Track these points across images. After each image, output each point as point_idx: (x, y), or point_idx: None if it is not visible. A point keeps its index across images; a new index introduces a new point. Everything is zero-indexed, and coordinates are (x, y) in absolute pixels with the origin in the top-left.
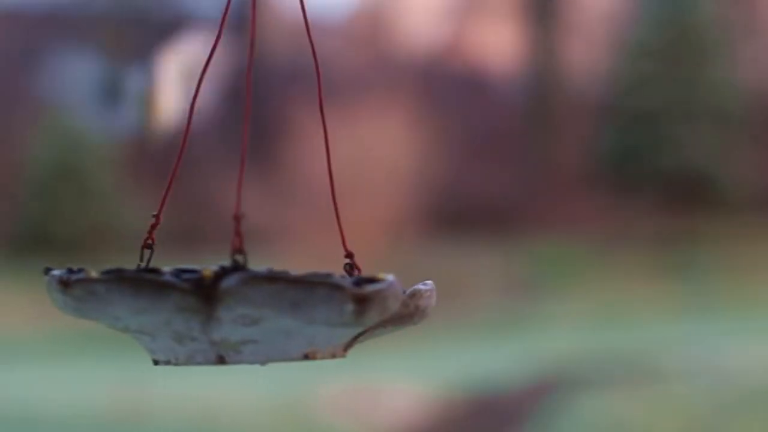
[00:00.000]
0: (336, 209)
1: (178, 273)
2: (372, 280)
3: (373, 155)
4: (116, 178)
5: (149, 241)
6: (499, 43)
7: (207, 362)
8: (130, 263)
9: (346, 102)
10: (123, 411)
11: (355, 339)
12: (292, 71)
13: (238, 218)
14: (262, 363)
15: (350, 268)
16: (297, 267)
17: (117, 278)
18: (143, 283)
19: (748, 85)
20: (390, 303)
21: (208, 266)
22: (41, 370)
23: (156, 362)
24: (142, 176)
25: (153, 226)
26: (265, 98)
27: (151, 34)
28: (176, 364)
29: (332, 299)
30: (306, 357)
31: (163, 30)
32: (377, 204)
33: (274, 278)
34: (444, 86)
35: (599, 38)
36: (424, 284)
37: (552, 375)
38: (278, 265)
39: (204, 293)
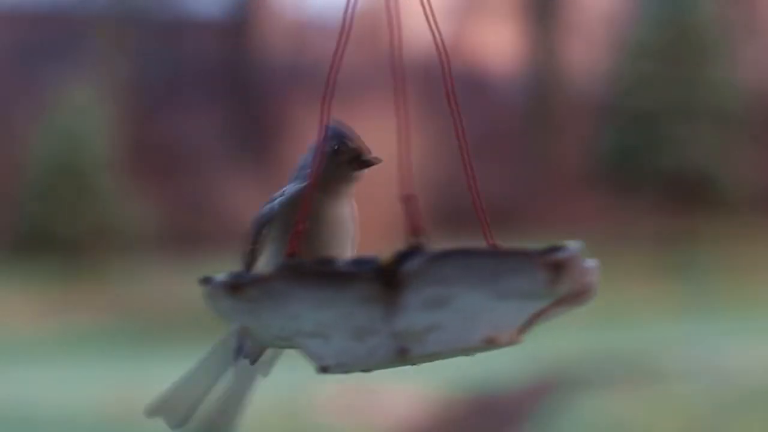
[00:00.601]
0: (475, 196)
1: (354, 263)
2: (558, 248)
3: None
4: (116, 178)
5: (293, 250)
6: (499, 43)
7: (387, 358)
8: (132, 263)
9: (346, 102)
10: (123, 411)
11: (532, 320)
12: (292, 71)
13: (409, 198)
14: (443, 355)
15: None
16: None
17: (297, 272)
18: (325, 274)
19: (748, 85)
20: (578, 272)
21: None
22: (41, 370)
23: (324, 369)
24: (142, 176)
25: (296, 233)
26: (265, 98)
27: (151, 34)
28: (348, 368)
29: (527, 267)
30: (488, 342)
31: (163, 30)
32: (377, 204)
33: (462, 252)
34: (444, 86)
35: (599, 38)
36: (590, 261)
37: (552, 375)
38: None
39: (388, 279)
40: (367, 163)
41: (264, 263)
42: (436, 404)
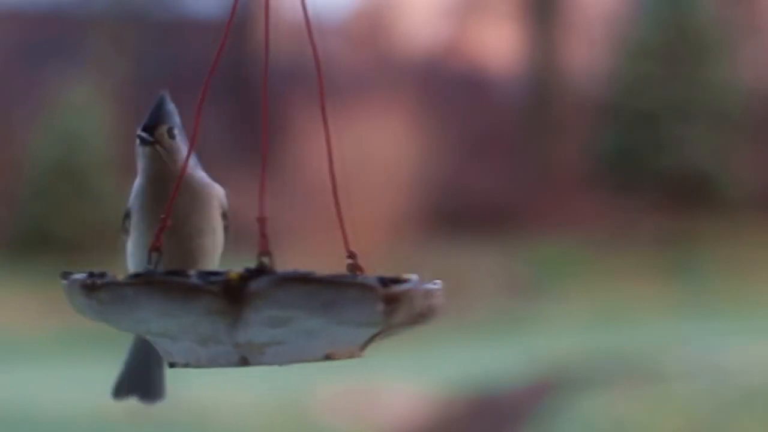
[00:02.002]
0: (338, 209)
1: (204, 276)
2: (397, 281)
3: (373, 155)
4: (116, 178)
5: (157, 244)
6: (499, 43)
7: (229, 364)
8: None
9: (346, 102)
10: (123, 411)
11: (372, 339)
12: (292, 71)
13: (262, 220)
14: (283, 364)
15: (353, 268)
16: (297, 266)
17: (146, 282)
18: (173, 286)
19: (748, 85)
20: (417, 303)
21: (233, 269)
22: (41, 370)
23: (172, 365)
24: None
25: (161, 229)
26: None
27: (151, 34)
28: (194, 367)
29: (364, 299)
30: (327, 357)
31: (163, 30)
32: (377, 204)
33: (306, 279)
34: (444, 86)
35: (599, 38)
36: (434, 283)
37: (552, 375)
38: (277, 266)
39: (233, 296)
40: (139, 138)
41: (129, 251)
42: (436, 404)
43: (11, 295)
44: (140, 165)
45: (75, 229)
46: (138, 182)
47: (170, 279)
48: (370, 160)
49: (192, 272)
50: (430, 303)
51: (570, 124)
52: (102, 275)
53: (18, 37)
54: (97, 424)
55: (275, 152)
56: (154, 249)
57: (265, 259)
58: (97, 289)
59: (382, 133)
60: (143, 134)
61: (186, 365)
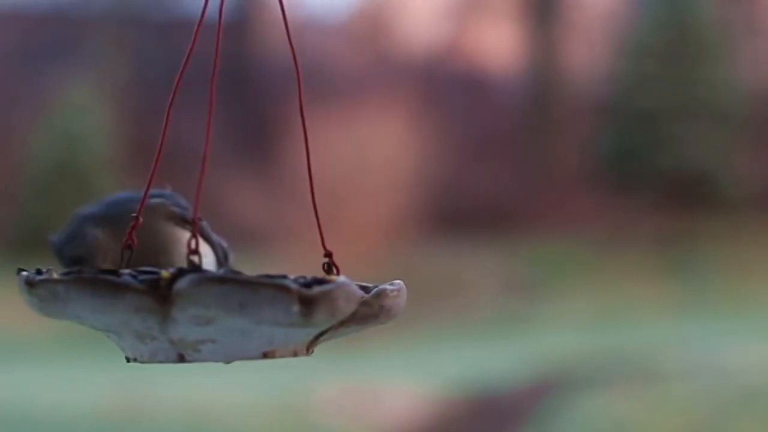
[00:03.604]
0: (315, 208)
1: (138, 274)
2: (322, 282)
3: (373, 155)
4: (116, 178)
5: (129, 242)
6: (499, 43)
7: (168, 360)
8: None
9: (346, 102)
10: (123, 411)
11: (317, 338)
12: (291, 71)
13: (195, 221)
14: (224, 361)
15: (329, 267)
16: (296, 266)
17: (75, 279)
18: (100, 283)
19: (748, 85)
20: (340, 304)
21: (167, 268)
22: (41, 370)
23: (128, 360)
24: (142, 176)
25: (133, 227)
26: (264, 98)
27: (151, 34)
28: (142, 362)
29: (277, 300)
30: (265, 356)
31: (163, 30)
32: (377, 204)
33: (222, 279)
34: (444, 86)
35: (599, 38)
36: (392, 284)
37: (552, 375)
38: (276, 265)
39: (158, 294)
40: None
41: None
42: (436, 404)
43: (11, 295)
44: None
45: None
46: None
47: (99, 277)
48: (370, 160)
49: (125, 271)
50: (383, 303)
51: (570, 124)
52: (47, 271)
53: (18, 37)
54: (97, 424)
55: (275, 152)
56: (126, 247)
57: (195, 258)
58: (35, 286)
59: (382, 133)
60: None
61: (134, 360)
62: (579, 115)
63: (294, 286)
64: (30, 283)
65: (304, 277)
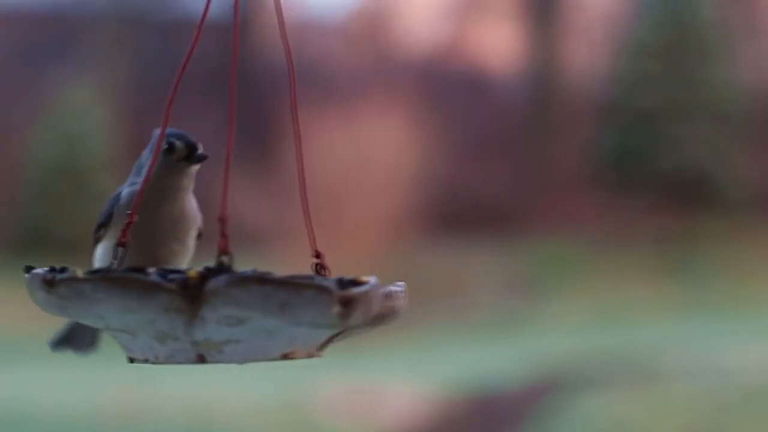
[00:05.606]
0: (306, 209)
1: (164, 273)
2: (355, 283)
3: (373, 155)
4: (116, 178)
5: (123, 239)
6: (499, 43)
7: (187, 361)
8: None
9: (346, 102)
10: (123, 411)
11: (331, 339)
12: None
13: (223, 220)
14: (241, 363)
15: (319, 268)
16: (296, 267)
17: (104, 278)
18: (131, 283)
19: (748, 85)
20: (374, 304)
21: (194, 267)
22: (41, 370)
23: (131, 360)
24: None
25: (128, 225)
26: (264, 98)
27: (151, 34)
28: (154, 363)
29: (319, 301)
30: (284, 357)
31: (163, 30)
32: (377, 204)
33: (262, 280)
34: (444, 86)
35: (599, 38)
36: (397, 285)
37: (552, 375)
38: (276, 266)
39: (190, 294)
40: (199, 158)
41: (100, 254)
42: (436, 404)
43: (11, 295)
44: (166, 179)
45: (75, 229)
46: (136, 190)
47: (129, 276)
48: (370, 160)
49: (152, 270)
50: (392, 304)
51: (570, 124)
52: (63, 270)
53: (18, 37)
54: (97, 424)
55: (274, 152)
56: (120, 244)
57: (225, 259)
58: (56, 285)
59: (382, 133)
60: (204, 153)
61: (145, 361)
62: (579, 115)
63: (334, 287)
64: (49, 282)
65: (323, 277)
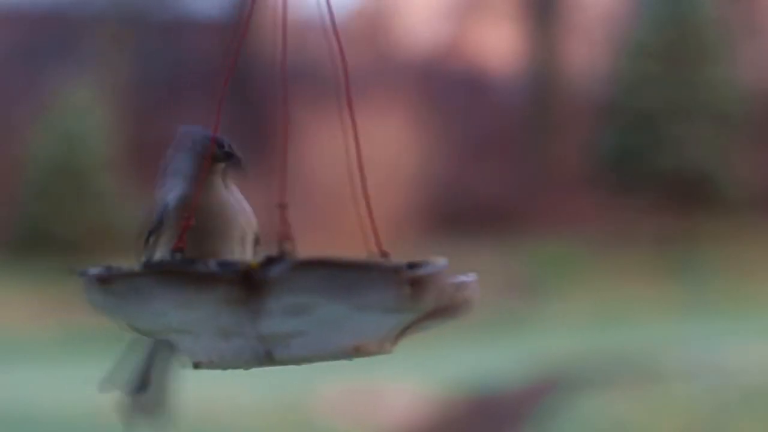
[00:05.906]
0: (369, 209)
1: (223, 264)
2: (423, 264)
3: (373, 155)
4: (116, 178)
5: (180, 244)
6: (499, 43)
7: (254, 359)
8: (131, 263)
9: (345, 102)
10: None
11: (403, 332)
12: (292, 71)
13: (283, 206)
14: (310, 360)
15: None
16: None
17: (160, 271)
18: (188, 275)
19: (748, 85)
20: (446, 286)
21: (254, 259)
22: (41, 370)
23: (197, 365)
24: (142, 176)
25: (185, 229)
26: (265, 98)
27: (151, 34)
28: (219, 366)
29: (387, 282)
30: (356, 351)
31: (163, 30)
32: (377, 203)
33: (324, 263)
34: (444, 86)
35: (599, 38)
36: (467, 276)
37: (552, 375)
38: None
39: (251, 283)
40: (238, 161)
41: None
42: (436, 404)
43: (11, 295)
44: (217, 181)
45: (75, 229)
46: (186, 192)
47: (185, 267)
48: (370, 160)
49: (211, 261)
50: (466, 295)
51: (570, 124)
52: (113, 268)
53: (18, 37)
54: (97, 424)
55: (275, 151)
56: (177, 249)
57: (287, 245)
58: (111, 282)
59: (382, 133)
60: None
61: (210, 363)
62: (579, 115)
63: (403, 267)
64: (104, 280)
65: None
